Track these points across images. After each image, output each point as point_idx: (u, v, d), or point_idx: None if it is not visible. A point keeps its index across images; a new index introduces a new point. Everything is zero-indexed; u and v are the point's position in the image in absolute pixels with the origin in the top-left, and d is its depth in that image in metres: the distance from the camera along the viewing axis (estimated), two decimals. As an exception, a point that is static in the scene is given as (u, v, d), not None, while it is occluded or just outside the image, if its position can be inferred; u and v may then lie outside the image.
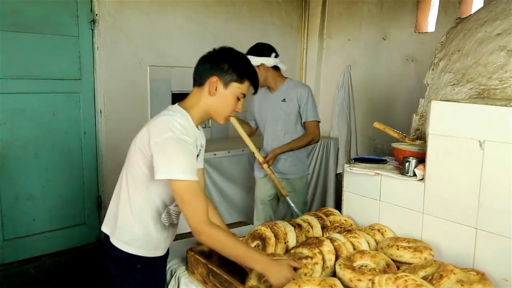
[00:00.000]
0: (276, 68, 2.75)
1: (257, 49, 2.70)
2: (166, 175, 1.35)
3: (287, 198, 2.68)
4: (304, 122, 2.75)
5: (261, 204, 2.94)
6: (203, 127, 1.64)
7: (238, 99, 1.50)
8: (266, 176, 2.81)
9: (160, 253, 1.59)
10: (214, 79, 1.45)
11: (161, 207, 1.52)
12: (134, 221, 1.49)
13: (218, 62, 1.46)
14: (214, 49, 1.51)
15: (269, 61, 2.67)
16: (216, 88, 1.46)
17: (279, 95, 2.77)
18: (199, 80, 1.49)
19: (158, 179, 1.37)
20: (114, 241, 1.53)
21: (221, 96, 1.47)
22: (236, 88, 1.47)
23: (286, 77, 2.82)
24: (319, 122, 2.77)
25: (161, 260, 1.63)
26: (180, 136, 1.37)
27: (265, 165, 2.66)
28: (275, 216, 2.97)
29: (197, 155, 1.55)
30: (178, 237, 1.88)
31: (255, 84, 1.52)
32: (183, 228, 1.62)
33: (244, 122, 2.88)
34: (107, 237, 1.57)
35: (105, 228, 1.59)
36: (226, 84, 1.46)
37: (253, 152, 2.68)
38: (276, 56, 2.72)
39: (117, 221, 1.53)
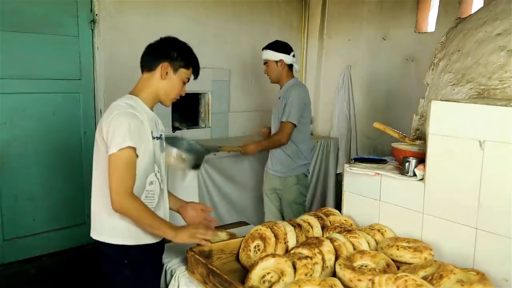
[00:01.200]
0: (290, 68, 2.88)
1: (278, 45, 2.86)
2: (113, 150, 1.45)
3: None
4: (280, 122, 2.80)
5: (265, 196, 3.05)
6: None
7: (184, 83, 1.67)
8: (267, 171, 2.97)
9: (149, 240, 1.58)
10: (165, 64, 1.61)
11: (136, 190, 1.53)
12: (110, 209, 1.51)
13: (168, 50, 1.62)
14: (161, 38, 1.66)
15: (288, 58, 2.83)
16: (167, 73, 1.61)
17: (280, 92, 2.88)
18: (149, 66, 1.63)
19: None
20: (97, 235, 1.59)
21: (171, 80, 1.63)
22: (183, 73, 1.65)
23: (293, 77, 2.91)
24: (293, 124, 2.73)
25: (152, 254, 1.63)
26: (125, 110, 1.49)
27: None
28: (276, 210, 3.01)
29: (159, 138, 1.63)
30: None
31: (196, 71, 1.70)
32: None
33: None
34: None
35: (91, 231, 1.63)
36: (175, 70, 1.63)
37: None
38: (294, 55, 2.87)
39: (94, 216, 1.62)
